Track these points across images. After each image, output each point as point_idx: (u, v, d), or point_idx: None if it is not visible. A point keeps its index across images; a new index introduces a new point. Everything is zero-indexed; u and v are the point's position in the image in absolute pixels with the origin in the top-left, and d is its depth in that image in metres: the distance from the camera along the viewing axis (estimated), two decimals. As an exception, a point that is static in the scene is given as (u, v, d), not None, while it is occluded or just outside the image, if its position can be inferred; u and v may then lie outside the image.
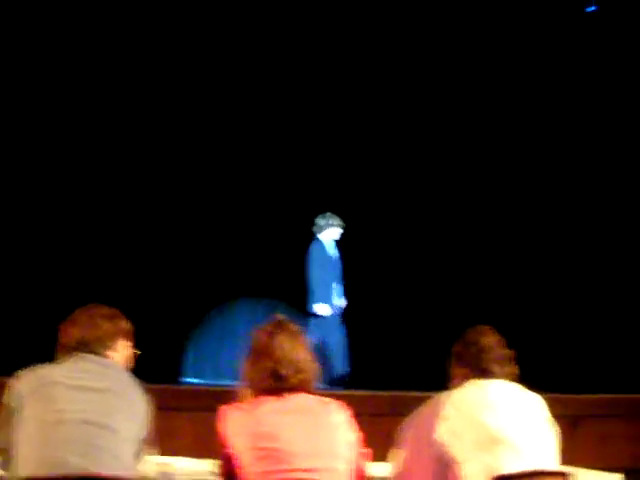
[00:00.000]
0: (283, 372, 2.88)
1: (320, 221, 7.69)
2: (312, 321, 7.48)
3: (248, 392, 2.93)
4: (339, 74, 8.81)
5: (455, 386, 3.14)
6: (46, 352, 3.10)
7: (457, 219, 8.78)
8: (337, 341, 7.57)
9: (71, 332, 2.99)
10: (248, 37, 8.75)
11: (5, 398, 2.87)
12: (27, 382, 2.85)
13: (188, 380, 8.22)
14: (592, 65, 8.41)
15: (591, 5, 8.30)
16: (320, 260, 7.60)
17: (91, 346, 2.96)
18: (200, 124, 8.80)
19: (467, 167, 8.78)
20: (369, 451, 3.05)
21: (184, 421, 5.34)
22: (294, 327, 3.02)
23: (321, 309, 7.50)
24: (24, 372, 2.90)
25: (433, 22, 8.69)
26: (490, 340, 3.14)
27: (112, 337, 3.03)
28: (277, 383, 2.88)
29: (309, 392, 2.93)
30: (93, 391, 2.82)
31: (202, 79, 8.76)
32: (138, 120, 8.63)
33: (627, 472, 5.92)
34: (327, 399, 2.97)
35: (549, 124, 8.60)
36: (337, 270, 7.73)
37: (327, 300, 7.52)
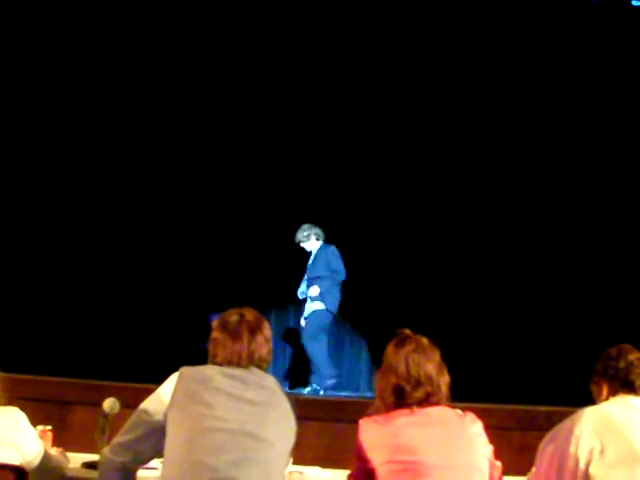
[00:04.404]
0: (406, 388, 2.89)
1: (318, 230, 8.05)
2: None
3: (381, 405, 2.95)
4: (329, 80, 8.73)
5: (601, 401, 3.18)
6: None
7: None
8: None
9: (226, 344, 2.99)
10: (225, 51, 8.73)
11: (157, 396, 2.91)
12: (188, 381, 2.87)
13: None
14: (592, 63, 8.24)
15: None
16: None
17: (248, 359, 2.98)
18: (192, 133, 8.78)
19: (451, 168, 8.70)
20: (500, 464, 3.02)
21: (310, 430, 5.37)
22: (422, 341, 3.01)
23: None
24: (187, 370, 2.91)
25: (423, 21, 8.60)
26: (636, 356, 3.23)
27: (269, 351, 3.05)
28: (400, 399, 2.89)
29: (442, 405, 2.92)
30: (252, 403, 2.85)
31: (188, 86, 8.72)
32: (126, 130, 8.63)
33: None
34: (460, 411, 2.96)
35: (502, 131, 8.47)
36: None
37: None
